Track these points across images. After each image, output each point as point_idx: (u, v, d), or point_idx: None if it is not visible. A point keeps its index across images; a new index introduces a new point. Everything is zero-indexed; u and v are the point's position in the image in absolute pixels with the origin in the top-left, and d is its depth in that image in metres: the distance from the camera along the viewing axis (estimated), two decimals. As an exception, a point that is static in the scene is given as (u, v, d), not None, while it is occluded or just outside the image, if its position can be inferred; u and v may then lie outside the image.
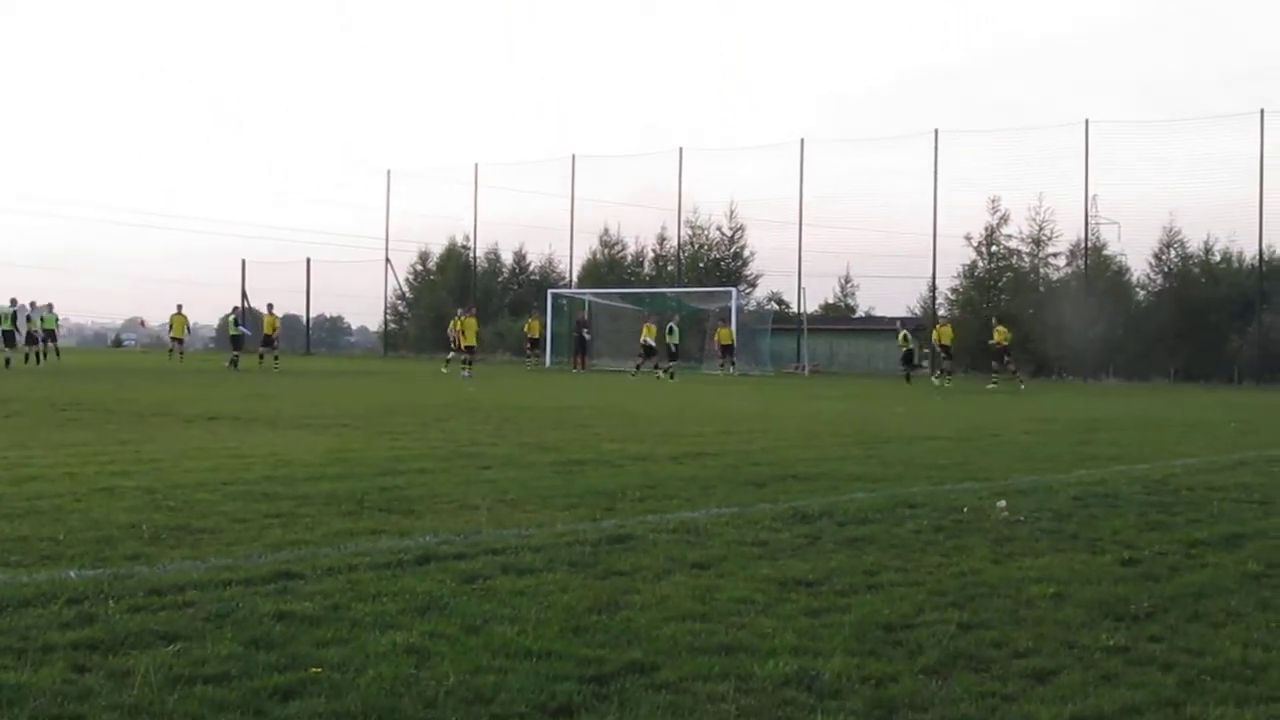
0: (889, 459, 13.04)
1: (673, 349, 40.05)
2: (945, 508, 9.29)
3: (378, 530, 7.84)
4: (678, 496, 9.69)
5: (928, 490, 10.38)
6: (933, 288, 49.56)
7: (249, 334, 41.75)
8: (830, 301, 62.09)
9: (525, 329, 47.02)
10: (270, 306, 42.11)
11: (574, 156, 57.57)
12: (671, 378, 36.71)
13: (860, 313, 61.42)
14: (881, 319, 55.98)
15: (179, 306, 43.33)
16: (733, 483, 10.66)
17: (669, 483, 10.54)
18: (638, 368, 39.46)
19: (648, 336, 40.26)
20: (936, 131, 48.09)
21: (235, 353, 39.23)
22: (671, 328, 40.39)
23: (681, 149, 54.91)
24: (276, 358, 40.31)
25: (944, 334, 37.70)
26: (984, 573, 6.93)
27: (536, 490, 9.84)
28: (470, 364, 36.32)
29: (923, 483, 10.95)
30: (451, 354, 39.08)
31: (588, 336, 46.16)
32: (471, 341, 36.81)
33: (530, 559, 6.98)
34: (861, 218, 65.29)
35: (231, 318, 41.81)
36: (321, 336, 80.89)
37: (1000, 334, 36.55)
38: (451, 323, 40.31)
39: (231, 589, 6.08)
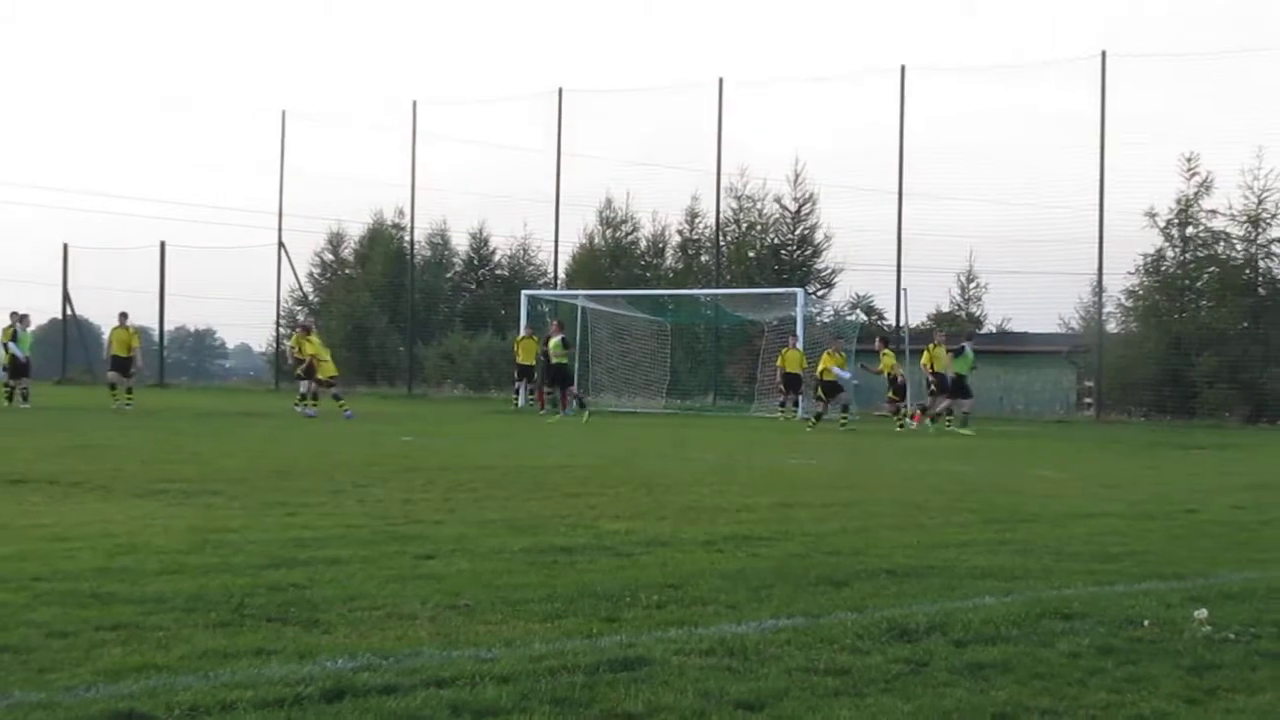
0: (1032, 546, 13.00)
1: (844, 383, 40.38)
2: (1116, 619, 9.26)
3: (266, 650, 7.83)
4: (714, 601, 9.68)
5: (1089, 593, 10.34)
6: (1099, 289, 49.48)
7: (21, 358, 41.00)
8: (945, 309, 62.15)
9: (515, 351, 46.95)
10: (124, 317, 42.20)
11: (560, 91, 57.82)
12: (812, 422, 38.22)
13: (989, 326, 61.39)
14: (1021, 335, 55.99)
15: (13, 315, 42.52)
16: (797, 581, 10.63)
17: (701, 580, 10.52)
18: (816, 414, 39.98)
19: (787, 366, 40.98)
20: (1104, 54, 48.17)
21: (11, 383, 39.14)
22: (848, 350, 40.88)
23: (721, 80, 55.05)
24: (130, 391, 40.47)
25: (935, 358, 38.92)
26: (1174, 717, 6.91)
27: (503, 591, 9.84)
28: (327, 398, 38.75)
29: (1082, 581, 10.90)
30: (303, 386, 40.03)
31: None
32: (332, 372, 38.87)
33: (494, 694, 6.97)
34: (989, 184, 65.01)
35: (8, 327, 41.05)
36: (182, 359, 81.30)
37: (887, 361, 40.32)
38: (290, 342, 42.24)
39: (47, 737, 6.08)
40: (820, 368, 39.41)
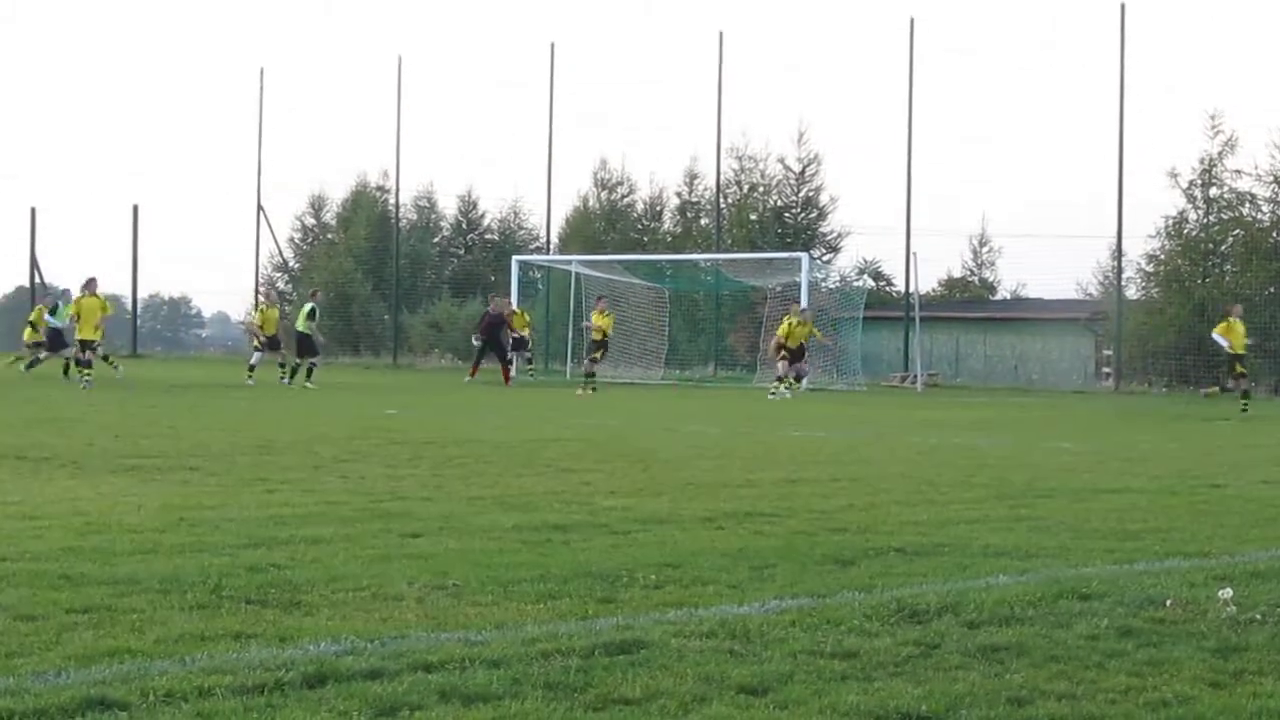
0: (1048, 523, 13.01)
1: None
2: (1137, 599, 9.26)
3: (244, 633, 7.84)
4: (716, 581, 9.69)
5: (1109, 571, 10.34)
6: (1118, 253, 49.52)
7: (63, 326, 41.98)
8: (956, 275, 62.19)
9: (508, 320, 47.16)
10: (92, 284, 42.17)
11: (553, 46, 57.74)
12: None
13: (1003, 293, 61.45)
14: (1036, 302, 56.01)
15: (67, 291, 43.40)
16: (802, 560, 10.64)
17: (701, 559, 10.52)
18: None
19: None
20: (1123, 6, 48.08)
21: (40, 354, 39.44)
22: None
23: (721, 34, 55.01)
24: (108, 358, 40.77)
25: (791, 333, 40.70)
26: (1198, 701, 6.91)
27: (493, 571, 9.84)
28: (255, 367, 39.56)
29: (1101, 560, 10.91)
30: (260, 355, 40.75)
31: (519, 338, 46.00)
32: (89, 336, 37.63)
33: (484, 679, 6.97)
34: (1003, 143, 65.32)
35: (49, 304, 41.81)
36: (156, 329, 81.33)
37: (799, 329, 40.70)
38: (257, 313, 43.48)
39: (15, 725, 6.08)
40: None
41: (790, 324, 40.53)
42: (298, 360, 39.64)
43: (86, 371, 36.05)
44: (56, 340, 40.64)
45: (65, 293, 42.52)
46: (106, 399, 30.40)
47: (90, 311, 37.41)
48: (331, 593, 8.98)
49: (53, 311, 41.34)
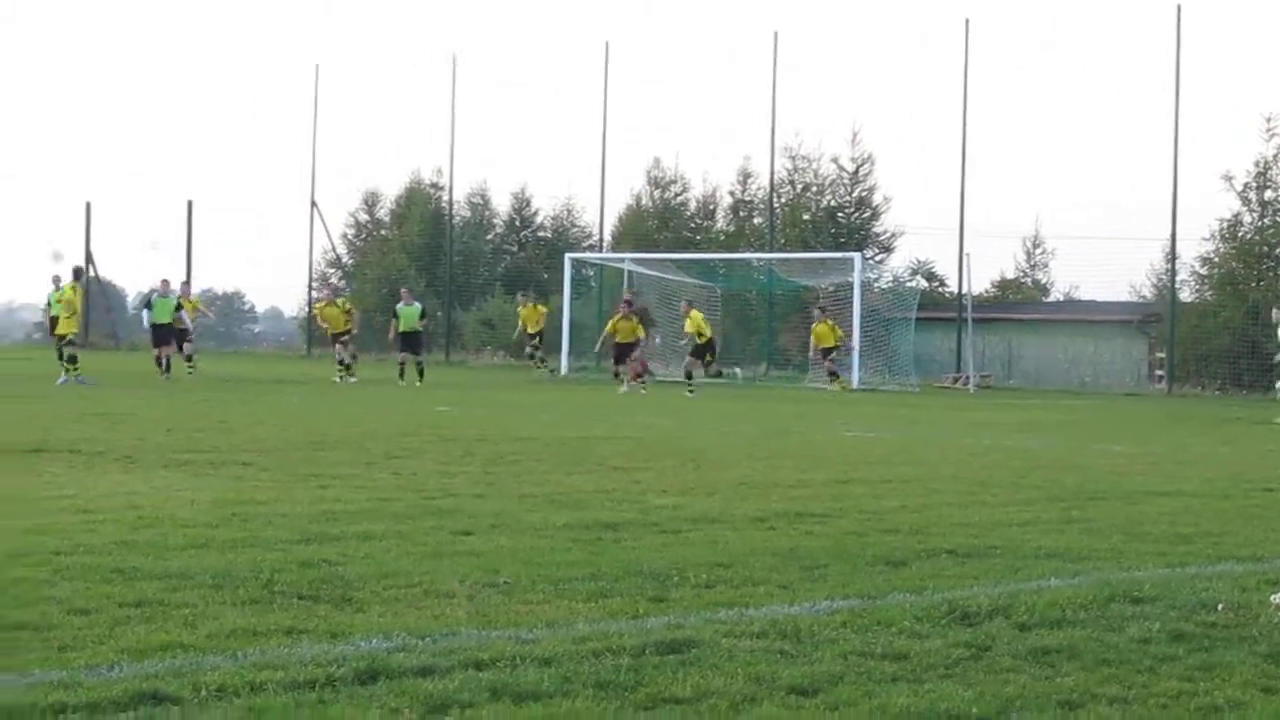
0: (1100, 525, 12.97)
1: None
2: (1188, 603, 9.22)
3: (296, 629, 7.87)
4: (766, 582, 9.69)
5: (1161, 575, 10.31)
6: (1172, 255, 49.33)
7: (189, 321, 42.03)
8: (1009, 276, 61.96)
9: (521, 318, 47.08)
10: (78, 272, 41.39)
11: (607, 45, 57.79)
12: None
13: (1057, 294, 61.18)
14: (1090, 304, 55.77)
15: (59, 280, 42.97)
16: (853, 560, 10.63)
17: (752, 560, 10.52)
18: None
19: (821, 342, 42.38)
20: (1179, 8, 47.83)
21: (159, 350, 38.94)
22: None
23: (776, 33, 55.01)
24: (191, 359, 40.72)
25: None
26: (1249, 706, 6.88)
27: (544, 569, 9.86)
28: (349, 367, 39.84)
29: (1153, 563, 10.87)
30: (341, 358, 40.83)
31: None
32: (68, 330, 36.12)
33: (535, 677, 6.99)
34: (1057, 144, 65.01)
35: (151, 297, 41.23)
36: (209, 324, 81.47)
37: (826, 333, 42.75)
38: (321, 307, 43.66)
39: (68, 718, 6.10)
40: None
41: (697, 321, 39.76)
42: (417, 358, 39.64)
43: (73, 368, 34.24)
44: (163, 335, 39.86)
45: (164, 284, 41.74)
46: (156, 392, 30.54)
47: (71, 304, 36.47)
48: (383, 589, 9.01)
49: (150, 304, 40.43)
